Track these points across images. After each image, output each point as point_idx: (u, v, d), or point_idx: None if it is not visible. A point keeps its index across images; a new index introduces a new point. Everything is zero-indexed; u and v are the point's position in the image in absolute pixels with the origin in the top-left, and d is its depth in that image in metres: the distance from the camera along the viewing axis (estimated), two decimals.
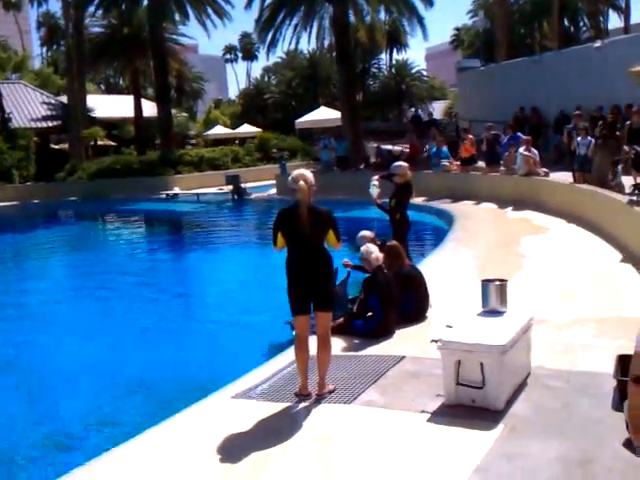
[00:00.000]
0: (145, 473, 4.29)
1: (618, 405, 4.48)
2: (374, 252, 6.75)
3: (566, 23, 42.21)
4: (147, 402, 6.50)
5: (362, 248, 6.89)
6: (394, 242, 7.69)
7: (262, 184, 27.49)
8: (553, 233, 12.01)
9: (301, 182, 5.06)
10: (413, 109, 28.00)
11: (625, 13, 38.36)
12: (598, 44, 20.45)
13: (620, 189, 11.74)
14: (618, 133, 13.37)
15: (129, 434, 5.09)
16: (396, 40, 58.42)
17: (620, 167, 12.02)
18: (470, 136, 19.00)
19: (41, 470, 5.26)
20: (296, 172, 5.23)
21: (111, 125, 39.14)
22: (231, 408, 5.22)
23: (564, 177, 14.60)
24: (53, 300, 11.78)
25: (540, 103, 21.21)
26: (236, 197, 25.82)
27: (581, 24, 44.41)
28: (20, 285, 13.93)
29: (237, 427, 4.78)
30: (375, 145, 24.79)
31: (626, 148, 12.06)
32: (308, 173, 5.20)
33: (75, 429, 6.08)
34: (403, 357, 5.90)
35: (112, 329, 9.49)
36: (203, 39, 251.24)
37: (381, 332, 6.56)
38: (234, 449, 4.45)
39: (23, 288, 13.63)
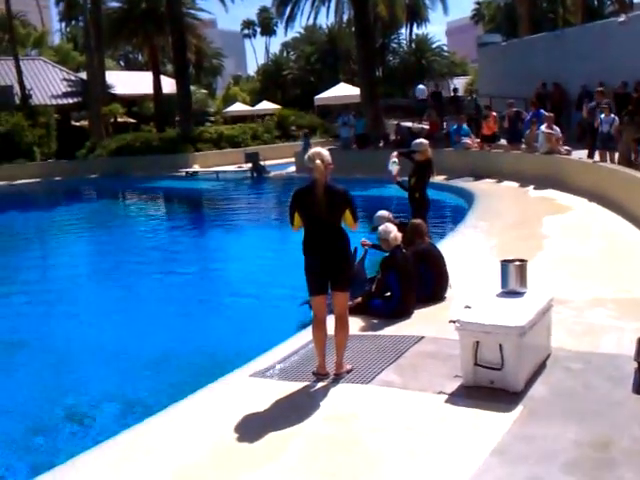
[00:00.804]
0: (164, 450, 4.33)
1: (639, 388, 4.44)
2: (392, 231, 6.71)
3: None
4: (166, 380, 6.54)
5: (380, 227, 6.85)
6: (419, 220, 7.63)
7: (281, 162, 27.40)
8: (575, 212, 11.86)
9: (317, 161, 5.01)
10: (421, 85, 27.33)
11: None
12: (622, 18, 19.97)
13: None
14: None
15: (147, 412, 5.16)
16: (416, 14, 57.69)
17: None
18: (493, 113, 18.74)
19: (66, 444, 5.33)
20: (312, 150, 5.17)
21: (131, 102, 39.20)
22: (249, 387, 5.24)
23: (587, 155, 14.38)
24: (75, 276, 11.88)
25: (562, 79, 20.83)
26: (255, 175, 25.81)
27: None
28: (43, 261, 14.10)
29: (255, 406, 4.80)
30: (395, 122, 24.56)
31: None
32: (325, 151, 5.14)
33: (95, 405, 6.14)
34: (422, 337, 5.88)
35: (133, 305, 9.57)
36: (221, 14, 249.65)
37: (399, 312, 6.53)
38: (252, 428, 4.47)
39: (46, 264, 13.81)
